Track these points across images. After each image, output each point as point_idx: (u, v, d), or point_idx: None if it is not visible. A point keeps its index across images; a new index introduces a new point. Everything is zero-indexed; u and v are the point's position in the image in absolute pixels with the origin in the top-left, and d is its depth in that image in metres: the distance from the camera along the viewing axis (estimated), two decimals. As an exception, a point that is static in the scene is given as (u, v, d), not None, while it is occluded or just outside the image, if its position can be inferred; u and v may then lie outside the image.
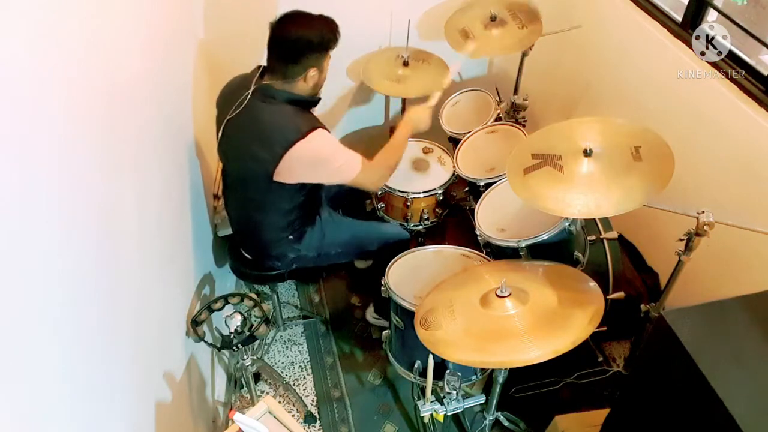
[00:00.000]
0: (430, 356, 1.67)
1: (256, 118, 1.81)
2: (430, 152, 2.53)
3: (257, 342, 1.95)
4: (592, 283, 1.62)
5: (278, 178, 1.81)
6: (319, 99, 1.94)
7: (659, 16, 2.25)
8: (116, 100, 1.38)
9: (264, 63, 1.84)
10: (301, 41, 1.75)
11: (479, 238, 2.07)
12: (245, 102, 1.82)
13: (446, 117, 2.62)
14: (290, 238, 2.04)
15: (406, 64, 2.54)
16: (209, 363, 2.19)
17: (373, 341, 2.50)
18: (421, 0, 2.62)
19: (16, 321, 0.92)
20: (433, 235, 2.66)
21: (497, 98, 2.58)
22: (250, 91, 1.81)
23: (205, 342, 1.86)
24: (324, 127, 1.88)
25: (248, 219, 2.04)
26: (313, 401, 2.34)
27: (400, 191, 2.37)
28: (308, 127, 1.79)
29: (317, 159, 1.84)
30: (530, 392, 2.22)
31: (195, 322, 1.87)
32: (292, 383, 2.37)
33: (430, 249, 2.10)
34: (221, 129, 1.92)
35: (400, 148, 2.06)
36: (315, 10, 1.81)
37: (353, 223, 2.21)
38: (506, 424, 2.08)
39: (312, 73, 1.80)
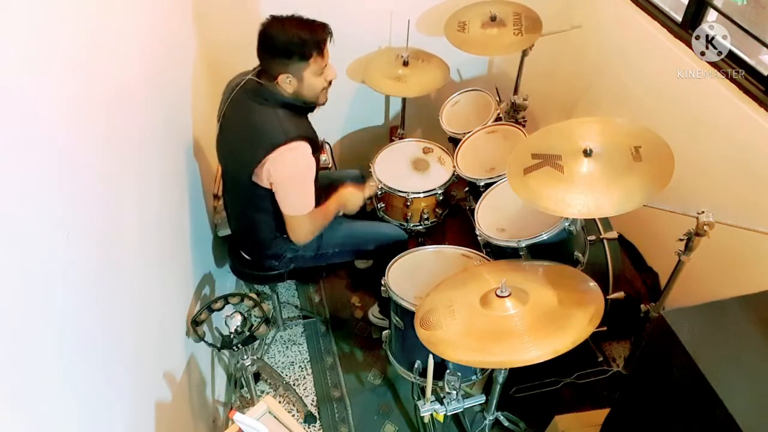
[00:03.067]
0: (430, 356, 1.67)
1: (248, 119, 1.81)
2: (430, 152, 2.53)
3: (257, 342, 1.95)
4: (592, 283, 1.62)
5: (255, 180, 1.81)
6: (314, 105, 1.90)
7: (659, 16, 2.25)
8: (116, 100, 1.38)
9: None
10: (275, 43, 1.72)
11: (479, 238, 2.07)
12: (238, 100, 1.82)
13: (446, 117, 2.62)
14: (285, 237, 2.03)
15: (406, 63, 2.55)
16: (209, 363, 2.19)
17: (373, 341, 2.50)
18: (421, 0, 2.62)
19: (16, 321, 0.92)
20: (433, 235, 2.67)
21: (497, 98, 2.58)
22: (236, 90, 1.82)
23: (205, 342, 1.86)
24: (314, 138, 1.87)
25: (244, 218, 2.04)
26: (313, 401, 2.34)
27: (400, 191, 2.37)
28: (295, 134, 1.77)
29: (286, 168, 1.80)
30: (530, 392, 2.22)
31: (195, 322, 1.87)
32: (292, 383, 2.37)
33: (430, 249, 2.10)
34: (218, 126, 1.92)
35: (328, 218, 2.02)
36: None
37: (350, 223, 2.21)
38: (506, 424, 2.08)
39: (286, 78, 1.76)
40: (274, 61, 1.75)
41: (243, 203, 1.99)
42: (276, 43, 1.72)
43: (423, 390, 1.92)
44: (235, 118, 1.87)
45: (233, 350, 1.86)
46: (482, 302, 1.60)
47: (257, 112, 1.80)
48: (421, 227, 2.50)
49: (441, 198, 2.41)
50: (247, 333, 1.84)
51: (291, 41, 1.72)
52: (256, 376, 2.30)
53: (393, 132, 2.91)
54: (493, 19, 2.42)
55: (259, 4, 2.37)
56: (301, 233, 1.95)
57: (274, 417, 1.49)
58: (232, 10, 2.38)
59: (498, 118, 2.52)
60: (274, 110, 1.80)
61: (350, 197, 2.10)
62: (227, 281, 2.55)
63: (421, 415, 1.81)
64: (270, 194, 1.86)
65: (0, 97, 0.89)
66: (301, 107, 1.87)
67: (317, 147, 1.90)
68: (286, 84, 1.77)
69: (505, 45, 2.42)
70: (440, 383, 1.84)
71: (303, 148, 1.80)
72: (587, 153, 1.63)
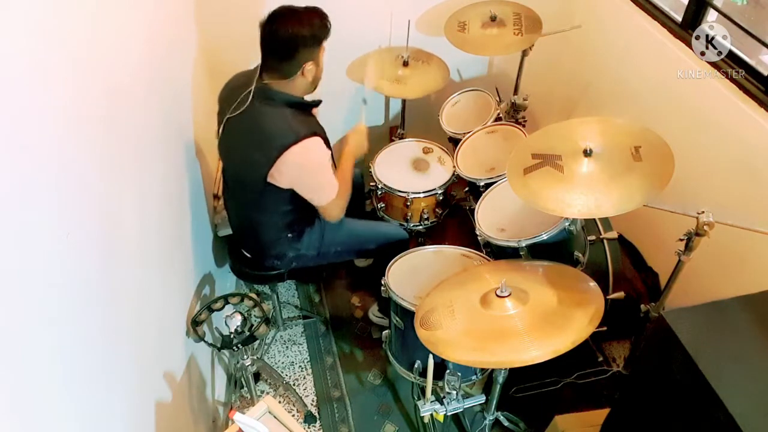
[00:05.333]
0: (430, 356, 1.67)
1: (256, 121, 1.81)
2: (430, 152, 2.53)
3: (257, 342, 1.94)
4: (592, 283, 1.62)
5: (271, 180, 1.81)
6: (319, 101, 1.93)
7: (659, 16, 2.25)
8: (116, 99, 1.38)
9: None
10: (293, 38, 1.73)
11: (479, 238, 2.07)
12: (246, 103, 1.81)
13: (446, 117, 2.62)
14: (289, 237, 2.04)
15: (406, 64, 2.54)
16: (209, 363, 2.19)
17: (373, 341, 2.50)
18: (421, 0, 2.62)
19: (16, 321, 0.92)
20: (433, 235, 2.66)
21: (497, 98, 2.58)
22: (251, 91, 1.80)
23: (205, 342, 1.86)
24: (323, 133, 1.88)
25: (247, 219, 2.04)
26: (313, 401, 2.34)
27: (400, 191, 2.37)
28: (306, 132, 1.78)
29: (306, 166, 1.83)
30: (530, 392, 2.22)
31: (195, 322, 1.87)
32: (292, 383, 2.37)
33: (430, 249, 2.10)
34: (221, 126, 1.92)
35: (350, 181, 2.06)
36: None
37: (352, 223, 2.21)
38: (506, 424, 2.08)
39: (309, 66, 1.78)
40: (301, 54, 1.75)
41: (248, 204, 1.99)
42: (300, 37, 1.73)
43: (423, 390, 1.92)
44: (241, 120, 1.85)
45: (233, 350, 1.86)
46: (482, 302, 1.60)
47: (265, 113, 1.80)
48: (421, 227, 2.50)
49: (441, 198, 2.41)
50: (247, 333, 1.84)
51: (312, 27, 1.74)
52: (256, 376, 2.30)
53: (393, 132, 2.91)
54: (493, 19, 2.42)
55: (260, 3, 2.37)
56: (336, 213, 2.00)
57: (274, 417, 1.49)
58: (233, 8, 2.37)
59: (498, 118, 2.52)
60: (282, 110, 1.80)
61: (356, 144, 2.13)
62: (227, 281, 2.55)
63: (421, 415, 1.81)
64: (282, 195, 1.86)
65: None
66: (307, 104, 1.88)
67: (327, 141, 1.91)
68: (309, 72, 1.79)
69: (505, 45, 2.42)
70: (440, 383, 1.84)
71: (315, 143, 1.81)
72: (587, 153, 1.63)
